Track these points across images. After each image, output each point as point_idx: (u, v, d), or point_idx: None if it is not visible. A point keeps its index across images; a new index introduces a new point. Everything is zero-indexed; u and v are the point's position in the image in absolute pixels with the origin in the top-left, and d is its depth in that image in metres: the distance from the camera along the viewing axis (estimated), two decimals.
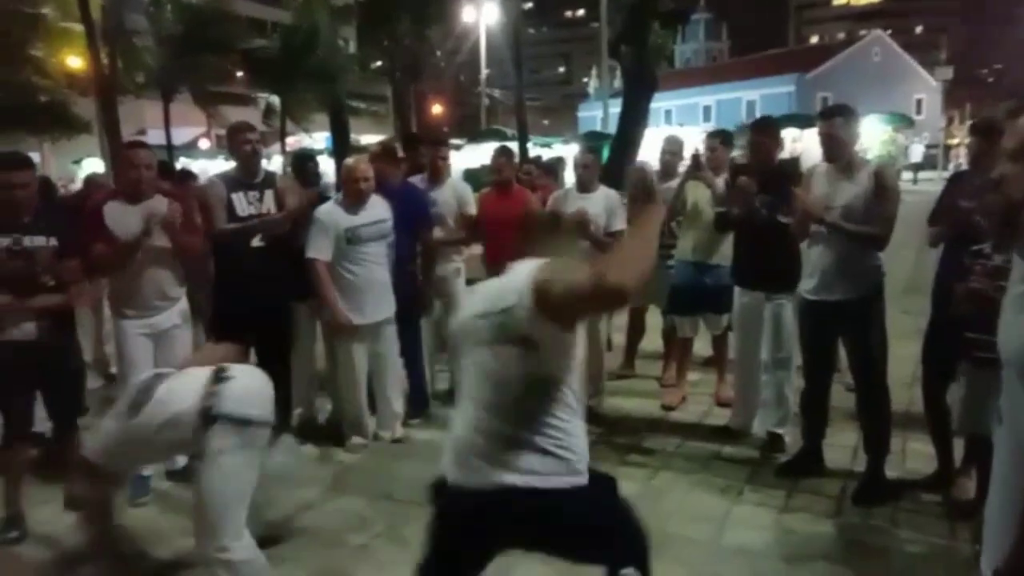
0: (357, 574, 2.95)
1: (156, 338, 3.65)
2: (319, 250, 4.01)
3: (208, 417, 2.38)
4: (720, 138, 4.84)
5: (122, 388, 3.61)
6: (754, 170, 3.95)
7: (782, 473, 3.69)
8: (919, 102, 38.93)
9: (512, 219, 4.55)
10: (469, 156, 19.89)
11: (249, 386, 2.54)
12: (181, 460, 3.84)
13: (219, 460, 2.37)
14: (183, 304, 3.77)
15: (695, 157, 4.54)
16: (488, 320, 1.89)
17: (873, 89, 34.45)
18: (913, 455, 3.83)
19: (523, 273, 1.84)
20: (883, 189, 3.34)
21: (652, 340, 5.40)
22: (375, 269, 4.12)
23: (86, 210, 3.77)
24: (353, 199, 4.07)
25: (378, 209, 4.15)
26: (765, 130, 4.05)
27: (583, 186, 4.58)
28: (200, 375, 2.51)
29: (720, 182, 4.28)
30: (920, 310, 3.58)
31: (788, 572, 2.89)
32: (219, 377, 2.47)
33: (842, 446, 3.89)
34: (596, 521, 1.89)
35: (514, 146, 22.48)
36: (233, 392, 2.44)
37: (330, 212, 4.06)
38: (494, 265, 4.70)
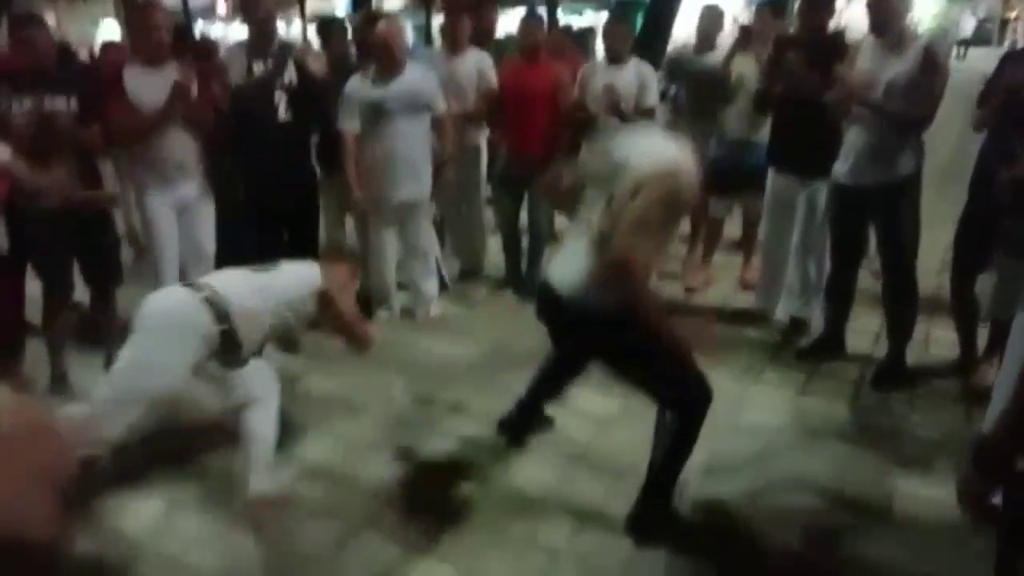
0: (388, 443, 3.09)
1: (179, 210, 3.68)
2: (345, 121, 3.94)
3: None
4: (771, 8, 4.56)
5: (152, 259, 3.72)
6: (802, 42, 3.72)
7: (803, 357, 3.73)
8: None
9: (539, 92, 4.38)
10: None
11: None
12: None
13: None
14: (200, 177, 3.75)
15: (744, 28, 4.30)
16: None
17: None
18: (936, 342, 3.84)
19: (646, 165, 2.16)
20: (932, 66, 3.15)
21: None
22: (402, 145, 3.97)
23: (105, 75, 3.70)
24: (382, 68, 3.91)
25: (411, 80, 3.95)
26: None
27: (613, 57, 4.38)
28: None
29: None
30: (956, 197, 3.48)
31: (802, 450, 2.99)
32: None
33: (864, 331, 3.90)
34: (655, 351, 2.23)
35: (544, 13, 21.24)
36: None
37: (356, 82, 3.94)
38: (518, 142, 4.54)
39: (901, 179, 3.28)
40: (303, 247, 4.12)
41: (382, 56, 3.88)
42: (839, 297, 3.69)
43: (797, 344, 3.87)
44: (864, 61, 3.32)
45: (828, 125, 3.56)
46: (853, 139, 3.39)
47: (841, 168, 3.44)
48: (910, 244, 3.39)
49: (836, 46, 3.62)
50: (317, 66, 3.93)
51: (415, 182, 4.09)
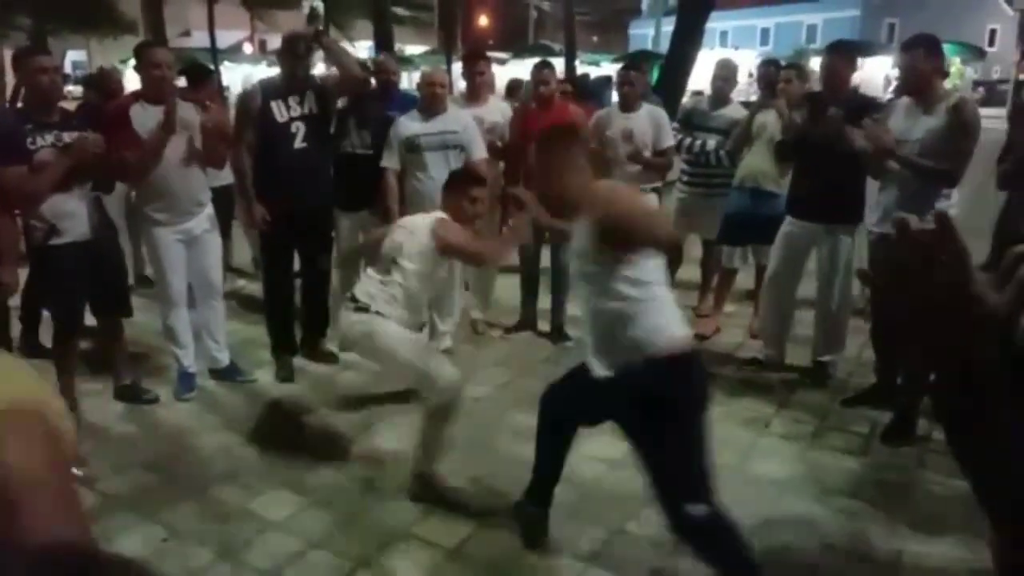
0: (390, 482, 3.07)
1: (188, 243, 3.74)
2: (388, 159, 4.06)
3: None
4: (796, 71, 4.64)
5: (162, 289, 3.78)
6: (827, 97, 3.76)
7: (850, 404, 3.71)
8: (992, 33, 36.66)
9: None
10: (513, 71, 19.34)
11: None
12: (224, 359, 3.99)
13: None
14: (210, 209, 3.84)
15: (770, 84, 4.39)
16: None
17: (943, 16, 32.46)
18: None
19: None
20: (961, 124, 3.23)
21: (689, 271, 5.33)
22: (430, 181, 4.01)
23: (110, 112, 3.78)
24: (427, 105, 4.09)
25: (450, 120, 4.09)
26: (840, 53, 3.84)
27: (626, 105, 4.47)
28: None
29: (796, 115, 4.18)
30: (973, 250, 3.47)
31: (808, 503, 2.93)
32: None
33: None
34: None
35: (561, 62, 21.62)
36: None
37: (401, 120, 4.08)
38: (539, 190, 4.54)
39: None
40: (313, 271, 4.17)
41: (423, 94, 4.10)
42: (880, 345, 3.67)
43: (820, 386, 3.90)
44: (896, 120, 3.41)
45: (856, 177, 3.66)
46: (882, 190, 3.48)
47: (872, 217, 3.56)
48: None
49: (865, 102, 3.71)
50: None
51: None
